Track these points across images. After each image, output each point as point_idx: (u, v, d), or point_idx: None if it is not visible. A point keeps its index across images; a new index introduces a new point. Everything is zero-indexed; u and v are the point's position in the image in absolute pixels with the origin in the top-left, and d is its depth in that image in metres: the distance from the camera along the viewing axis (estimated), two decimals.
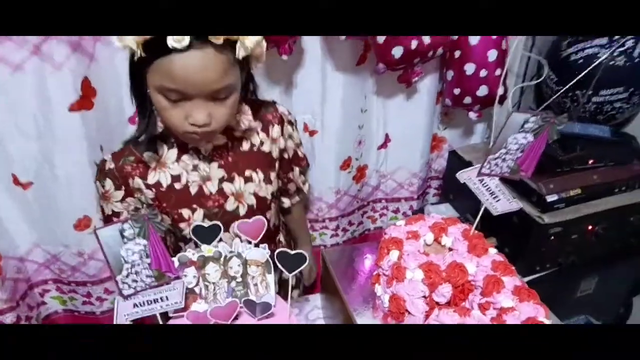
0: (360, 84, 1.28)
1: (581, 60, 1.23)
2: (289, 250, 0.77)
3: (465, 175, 0.83)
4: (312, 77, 1.22)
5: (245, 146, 0.95)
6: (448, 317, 0.73)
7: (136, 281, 0.75)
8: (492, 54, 1.22)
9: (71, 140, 1.05)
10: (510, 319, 0.71)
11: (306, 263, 0.77)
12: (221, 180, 0.93)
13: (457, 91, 1.29)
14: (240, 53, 0.75)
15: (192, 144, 0.90)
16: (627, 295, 1.44)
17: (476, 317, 0.73)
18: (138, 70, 0.77)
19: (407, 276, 0.79)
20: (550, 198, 1.09)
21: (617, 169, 1.16)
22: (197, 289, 0.81)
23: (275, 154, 0.99)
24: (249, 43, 0.74)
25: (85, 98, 1.02)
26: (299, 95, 1.25)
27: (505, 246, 1.13)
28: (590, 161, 1.15)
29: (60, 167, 1.07)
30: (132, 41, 0.71)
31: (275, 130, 0.97)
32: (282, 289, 1.03)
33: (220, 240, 0.81)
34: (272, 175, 0.99)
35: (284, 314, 0.82)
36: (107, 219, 0.94)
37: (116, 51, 1.01)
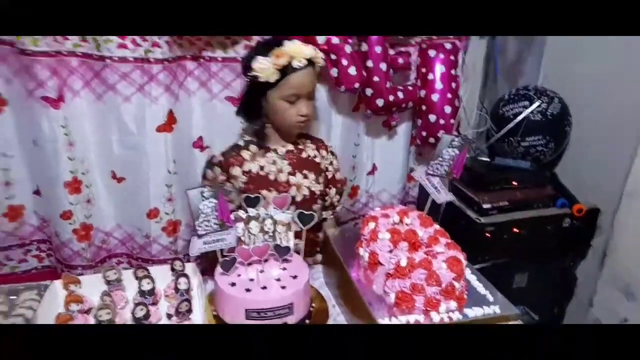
0: (355, 125, 1.78)
1: (511, 116, 1.73)
2: (304, 211, 1.22)
3: (417, 174, 1.30)
4: (320, 119, 1.72)
5: (304, 155, 1.46)
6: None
7: (208, 226, 1.19)
8: (447, 109, 1.73)
9: (155, 152, 1.51)
10: (439, 257, 1.14)
11: (314, 220, 1.21)
12: (289, 174, 1.42)
13: (424, 133, 1.79)
14: (317, 68, 1.35)
15: (292, 136, 1.45)
16: (557, 294, 1.84)
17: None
18: (263, 90, 1.32)
19: (379, 237, 1.23)
20: (485, 206, 1.55)
21: (534, 190, 1.63)
22: (243, 238, 1.24)
23: (322, 166, 1.50)
24: (322, 62, 1.37)
25: (168, 124, 1.50)
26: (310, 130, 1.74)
27: (456, 242, 1.57)
28: (514, 182, 1.63)
29: (145, 170, 1.53)
30: (273, 71, 1.26)
31: (323, 152, 1.50)
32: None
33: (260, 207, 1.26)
34: (320, 179, 1.47)
35: (305, 274, 1.23)
36: None
37: (191, 95, 1.53)
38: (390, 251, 1.22)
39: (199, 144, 1.62)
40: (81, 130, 1.45)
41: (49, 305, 1.17)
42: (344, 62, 1.50)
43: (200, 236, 1.18)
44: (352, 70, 1.52)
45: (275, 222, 1.25)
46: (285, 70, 1.29)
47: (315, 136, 1.57)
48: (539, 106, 1.69)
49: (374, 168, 1.92)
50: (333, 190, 1.57)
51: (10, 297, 1.19)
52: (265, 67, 1.28)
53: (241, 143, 1.44)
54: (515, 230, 1.58)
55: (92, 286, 1.21)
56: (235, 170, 1.39)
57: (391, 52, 1.64)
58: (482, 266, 1.60)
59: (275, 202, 1.27)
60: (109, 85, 1.41)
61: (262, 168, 1.41)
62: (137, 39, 1.36)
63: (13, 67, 1.38)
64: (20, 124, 1.45)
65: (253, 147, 1.42)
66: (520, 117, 1.68)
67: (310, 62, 1.33)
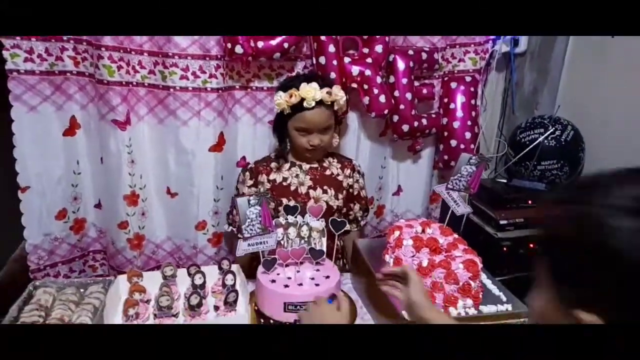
0: (382, 148, 1.95)
1: (528, 142, 1.88)
2: (337, 218, 1.38)
3: (438, 189, 1.45)
4: (350, 142, 1.90)
5: (328, 172, 1.64)
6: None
7: (252, 230, 1.36)
8: (467, 135, 1.89)
9: (206, 170, 1.71)
10: (457, 260, 1.28)
11: (345, 227, 1.38)
12: (309, 187, 1.60)
13: (446, 157, 1.94)
14: (336, 107, 1.50)
15: (309, 159, 1.61)
16: None
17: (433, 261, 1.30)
18: (284, 118, 1.52)
19: (403, 243, 1.38)
20: (502, 222, 1.68)
21: None
22: (282, 241, 1.41)
23: (344, 184, 1.65)
24: (342, 102, 1.51)
25: (219, 145, 1.71)
26: (342, 153, 1.93)
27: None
28: (530, 201, 1.75)
29: (196, 186, 1.73)
30: (286, 106, 1.46)
31: (347, 171, 1.67)
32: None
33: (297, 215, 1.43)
34: (340, 195, 1.63)
35: (336, 274, 1.38)
36: (236, 197, 1.57)
37: (238, 120, 1.74)
38: (413, 256, 1.36)
39: (242, 163, 1.82)
40: (142, 149, 1.67)
41: (114, 297, 1.35)
42: (375, 91, 1.69)
43: (245, 239, 1.36)
44: (382, 99, 1.70)
45: (310, 229, 1.42)
46: (299, 107, 1.49)
47: (344, 156, 1.75)
48: (553, 133, 1.83)
49: (399, 189, 2.07)
50: (357, 206, 1.73)
51: (80, 290, 1.38)
52: (280, 102, 1.50)
53: (272, 156, 1.67)
54: (531, 245, 1.69)
55: (151, 281, 1.40)
56: (262, 178, 1.62)
57: (416, 83, 1.83)
58: (500, 279, 1.71)
59: (311, 211, 1.44)
60: (170, 110, 1.63)
61: (285, 179, 1.61)
62: (197, 71, 1.59)
63: (89, 95, 1.62)
64: (91, 145, 1.68)
65: (281, 161, 1.64)
66: (535, 143, 1.82)
67: (325, 102, 1.49)
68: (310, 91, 1.47)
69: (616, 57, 1.74)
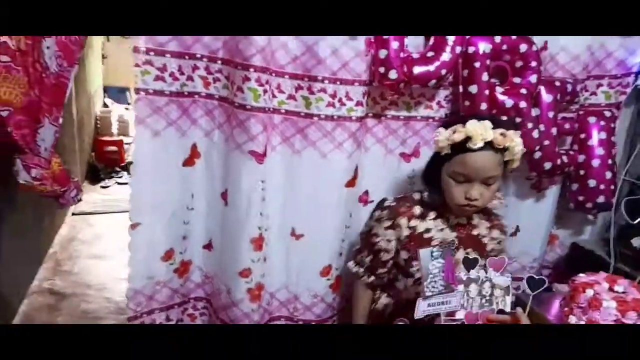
0: (504, 185, 1.77)
1: None
2: (535, 276, 1.20)
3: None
4: None
5: (475, 232, 1.38)
6: None
7: (434, 287, 1.17)
8: (608, 174, 1.73)
9: (337, 207, 1.52)
10: None
11: (544, 285, 1.19)
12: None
13: (580, 198, 1.78)
14: (507, 156, 1.25)
15: (461, 214, 1.33)
16: None
17: None
18: (439, 163, 1.28)
19: (603, 305, 1.20)
20: None
21: None
22: (461, 301, 1.21)
23: (488, 248, 1.38)
24: (516, 150, 1.24)
25: (354, 179, 1.53)
26: None
27: None
28: None
29: (328, 225, 1.54)
30: (446, 145, 1.23)
31: (494, 232, 1.41)
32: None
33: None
34: (482, 261, 1.32)
35: None
36: (368, 235, 1.39)
37: (367, 150, 1.55)
38: (616, 321, 1.19)
39: (365, 198, 1.63)
40: (274, 185, 1.47)
41: None
42: (529, 125, 1.53)
43: (425, 297, 1.16)
44: (535, 134, 1.55)
45: (493, 286, 1.23)
46: (461, 148, 1.23)
47: (493, 212, 1.46)
48: None
49: (517, 229, 1.90)
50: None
51: None
52: (440, 139, 1.25)
53: (416, 197, 1.40)
54: None
55: None
56: (402, 221, 1.35)
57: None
58: None
59: (491, 265, 1.25)
60: (311, 141, 1.44)
61: (427, 230, 1.35)
62: (344, 97, 1.40)
63: (216, 120, 1.42)
64: (209, 177, 1.47)
65: (426, 207, 1.39)
66: None
67: (495, 145, 1.22)
68: (480, 128, 1.21)
69: None
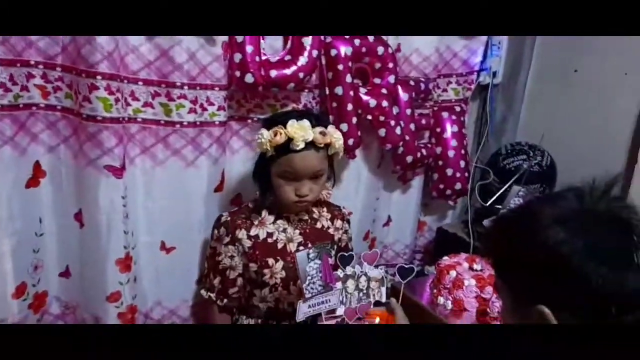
0: (377, 181, 1.84)
1: (513, 168, 1.96)
2: (405, 265, 1.26)
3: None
4: (351, 176, 1.78)
5: (319, 225, 1.40)
6: None
7: (313, 289, 1.17)
8: (462, 163, 1.91)
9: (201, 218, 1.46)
10: None
11: (414, 274, 1.25)
12: (299, 244, 1.34)
13: (441, 186, 1.93)
14: (331, 151, 1.28)
15: (295, 211, 1.34)
16: None
17: None
18: (266, 163, 1.27)
19: (465, 284, 1.31)
20: None
21: None
22: (340, 297, 1.23)
23: (335, 238, 1.43)
24: (337, 145, 1.28)
25: (221, 184, 1.48)
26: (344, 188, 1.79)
27: None
28: None
29: (191, 240, 1.48)
30: (269, 146, 1.22)
31: (337, 222, 1.45)
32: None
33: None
34: (332, 252, 1.38)
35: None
36: (211, 256, 1.34)
37: (234, 153, 1.52)
38: (477, 296, 1.30)
39: (238, 202, 1.58)
40: (137, 199, 1.36)
41: None
42: (392, 123, 1.61)
43: (305, 300, 1.16)
44: (398, 130, 1.63)
45: (369, 279, 1.27)
46: (285, 149, 1.22)
47: (332, 204, 1.49)
48: (534, 158, 1.94)
49: (389, 220, 2.00)
50: None
51: None
52: (262, 142, 1.23)
53: (250, 205, 1.37)
54: None
55: None
56: (241, 234, 1.31)
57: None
58: None
59: (365, 259, 1.28)
60: (174, 150, 1.36)
61: (270, 235, 1.33)
62: (205, 103, 1.34)
63: (61, 134, 1.27)
64: (59, 197, 1.31)
65: (264, 212, 1.34)
66: (522, 171, 1.91)
67: (316, 144, 1.23)
68: (300, 129, 1.20)
69: (576, 89, 1.90)
